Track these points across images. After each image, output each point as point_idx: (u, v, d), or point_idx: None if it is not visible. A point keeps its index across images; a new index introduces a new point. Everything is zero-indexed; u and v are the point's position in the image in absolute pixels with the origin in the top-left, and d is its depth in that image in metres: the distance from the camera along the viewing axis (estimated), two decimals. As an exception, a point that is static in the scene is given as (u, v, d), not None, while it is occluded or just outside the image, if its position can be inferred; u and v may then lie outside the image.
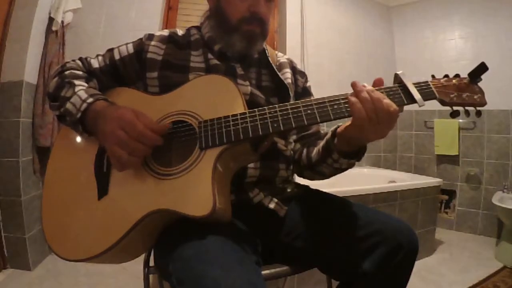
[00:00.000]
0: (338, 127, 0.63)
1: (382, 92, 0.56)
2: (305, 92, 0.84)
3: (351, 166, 0.67)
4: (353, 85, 0.54)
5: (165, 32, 0.75)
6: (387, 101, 0.53)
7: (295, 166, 0.80)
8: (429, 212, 1.93)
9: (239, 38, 0.70)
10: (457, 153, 2.45)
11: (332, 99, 0.56)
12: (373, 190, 1.65)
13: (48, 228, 0.60)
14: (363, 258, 0.60)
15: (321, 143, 0.69)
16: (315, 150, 0.72)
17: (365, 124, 0.53)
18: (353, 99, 0.53)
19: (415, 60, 2.77)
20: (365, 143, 0.61)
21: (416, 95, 0.55)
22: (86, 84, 0.66)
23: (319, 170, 0.72)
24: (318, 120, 0.55)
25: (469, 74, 0.59)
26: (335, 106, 0.56)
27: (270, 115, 0.56)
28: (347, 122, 0.59)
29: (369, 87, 0.54)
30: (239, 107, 0.58)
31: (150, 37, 0.73)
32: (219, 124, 0.57)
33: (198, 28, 0.78)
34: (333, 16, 2.62)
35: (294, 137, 0.80)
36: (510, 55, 2.29)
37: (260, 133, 0.55)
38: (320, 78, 2.48)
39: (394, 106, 0.53)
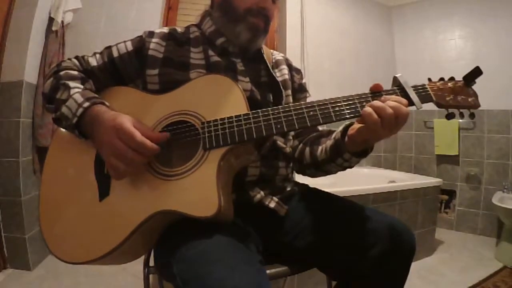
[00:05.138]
0: (348, 127, 0.62)
1: (382, 95, 0.57)
2: (301, 88, 0.84)
3: (358, 162, 0.67)
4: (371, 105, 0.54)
5: (165, 29, 0.75)
6: (401, 106, 0.53)
7: (295, 164, 0.80)
8: (429, 212, 1.93)
9: (244, 28, 0.70)
10: (457, 153, 2.45)
11: (334, 101, 0.57)
12: (373, 190, 1.65)
13: (46, 230, 0.60)
14: (360, 257, 0.61)
15: (328, 142, 0.68)
16: (320, 149, 0.71)
17: (379, 129, 0.53)
18: (368, 109, 0.53)
19: (415, 60, 2.77)
20: (375, 142, 0.61)
21: (415, 98, 0.57)
22: (81, 86, 0.64)
23: (326, 169, 0.72)
24: (321, 121, 0.56)
25: (464, 78, 0.61)
26: (337, 109, 0.56)
27: (273, 116, 0.57)
28: (357, 125, 0.59)
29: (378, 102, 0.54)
30: (242, 108, 0.58)
31: (151, 34, 0.73)
32: (222, 125, 0.57)
33: (197, 25, 0.78)
34: (333, 16, 2.62)
35: (292, 133, 0.80)
36: (510, 55, 2.29)
37: (264, 134, 0.56)
38: (320, 78, 2.48)
39: (405, 108, 0.53)
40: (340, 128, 0.65)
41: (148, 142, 0.53)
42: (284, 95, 0.75)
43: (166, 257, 0.55)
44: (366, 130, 0.56)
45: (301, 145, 0.78)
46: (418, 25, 2.78)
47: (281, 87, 0.76)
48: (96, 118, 0.57)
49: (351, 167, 0.68)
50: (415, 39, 2.79)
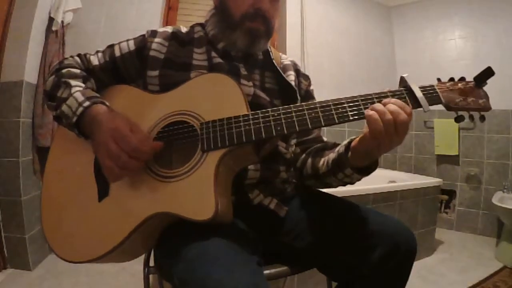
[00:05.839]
0: (352, 141, 0.61)
1: (387, 96, 0.55)
2: (308, 95, 0.82)
3: (359, 180, 0.65)
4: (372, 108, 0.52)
5: (169, 29, 0.74)
6: (402, 112, 0.50)
7: (296, 173, 0.79)
8: (429, 212, 1.93)
9: (241, 34, 0.69)
10: (457, 153, 2.45)
11: (336, 102, 0.55)
12: (373, 190, 1.65)
13: (48, 228, 0.60)
14: (360, 259, 0.60)
15: (331, 155, 0.67)
16: (322, 161, 0.70)
17: (382, 135, 0.51)
18: (370, 112, 0.51)
19: (415, 60, 2.76)
20: (379, 156, 0.59)
21: (422, 100, 0.54)
22: (83, 85, 0.64)
23: (326, 182, 0.71)
24: (323, 123, 0.54)
25: (475, 78, 0.57)
26: (340, 110, 0.54)
27: (273, 117, 0.55)
28: (360, 135, 0.57)
29: (381, 103, 0.52)
30: (242, 109, 0.57)
31: (153, 33, 0.72)
32: (221, 126, 0.56)
33: (202, 25, 0.77)
34: (333, 16, 2.62)
35: (295, 140, 0.79)
36: (510, 55, 2.28)
37: (263, 136, 0.54)
38: (320, 78, 2.47)
39: (405, 116, 0.51)
40: (345, 142, 0.64)
41: (142, 148, 0.53)
42: (299, 102, 0.74)
43: (165, 257, 0.55)
44: (367, 139, 0.54)
45: (303, 155, 0.77)
46: (418, 25, 2.78)
47: (298, 94, 0.74)
48: (95, 118, 0.57)
49: (352, 183, 0.67)
50: (415, 39, 2.79)
